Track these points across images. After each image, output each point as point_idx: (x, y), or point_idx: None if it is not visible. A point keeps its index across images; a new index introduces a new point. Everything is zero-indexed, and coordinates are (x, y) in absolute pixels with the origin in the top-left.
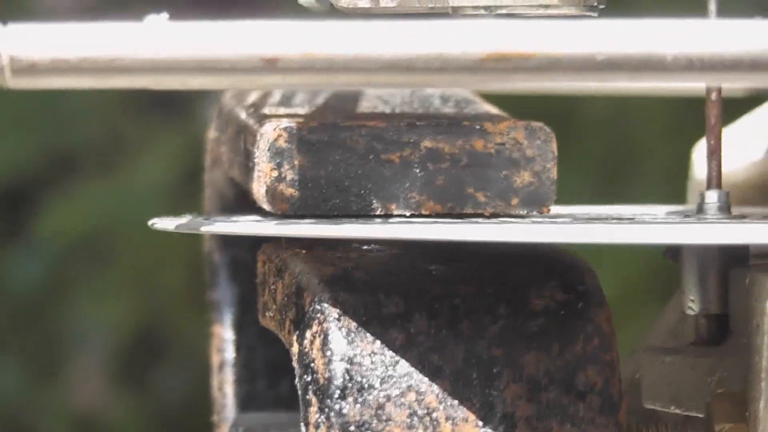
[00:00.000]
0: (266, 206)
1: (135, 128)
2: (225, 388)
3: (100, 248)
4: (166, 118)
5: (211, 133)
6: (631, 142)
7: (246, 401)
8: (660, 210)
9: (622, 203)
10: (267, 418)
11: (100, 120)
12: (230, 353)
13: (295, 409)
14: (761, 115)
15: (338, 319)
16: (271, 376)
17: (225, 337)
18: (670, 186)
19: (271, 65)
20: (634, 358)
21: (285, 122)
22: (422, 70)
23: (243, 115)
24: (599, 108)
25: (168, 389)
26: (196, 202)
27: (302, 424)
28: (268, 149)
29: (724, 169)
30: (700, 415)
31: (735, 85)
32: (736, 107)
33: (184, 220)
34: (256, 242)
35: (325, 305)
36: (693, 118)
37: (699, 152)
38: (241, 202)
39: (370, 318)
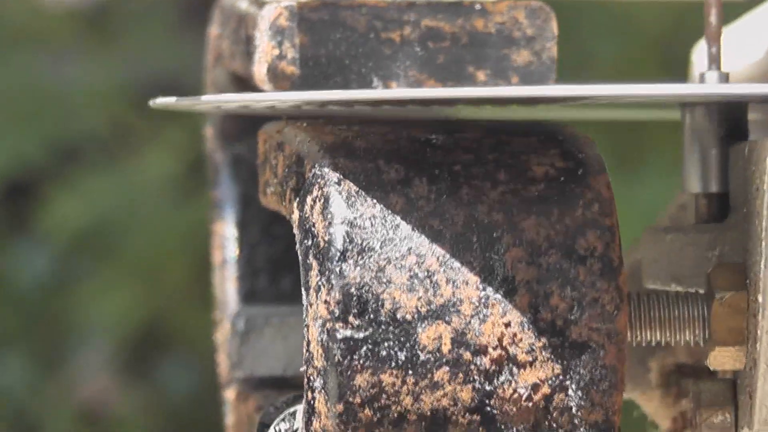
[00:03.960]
0: (267, 86)
1: (139, 121)
2: (226, 285)
3: (104, 241)
4: (171, 110)
5: (213, 31)
6: (640, 133)
7: (248, 298)
8: None
9: (629, 191)
10: (268, 310)
11: (105, 112)
12: (231, 250)
13: (296, 304)
14: (760, 14)
15: (338, 184)
16: (273, 273)
17: (226, 234)
18: (679, 176)
19: None
20: (636, 246)
21: (285, 2)
22: None
23: (244, 6)
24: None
25: (173, 382)
26: (201, 194)
27: (303, 289)
28: (269, 28)
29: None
30: (701, 291)
31: None
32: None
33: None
34: (257, 139)
35: (326, 170)
36: None
37: (698, 52)
38: None
39: (371, 183)
